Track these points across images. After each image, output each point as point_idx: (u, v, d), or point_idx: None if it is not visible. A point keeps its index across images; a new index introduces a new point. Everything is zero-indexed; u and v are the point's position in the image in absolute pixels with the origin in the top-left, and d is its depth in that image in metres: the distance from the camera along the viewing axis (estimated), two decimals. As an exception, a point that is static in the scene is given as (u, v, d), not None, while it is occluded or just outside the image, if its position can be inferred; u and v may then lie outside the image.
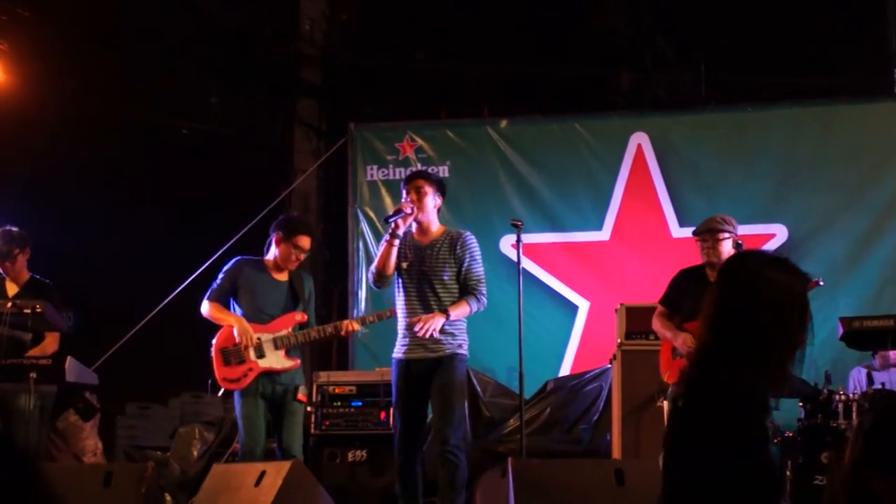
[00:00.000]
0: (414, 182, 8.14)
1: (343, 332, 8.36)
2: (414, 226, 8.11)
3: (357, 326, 8.52)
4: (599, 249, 12.25)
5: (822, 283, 8.29)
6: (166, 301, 12.15)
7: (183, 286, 12.07)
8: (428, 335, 7.85)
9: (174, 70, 14.87)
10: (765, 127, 12.07)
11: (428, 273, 7.98)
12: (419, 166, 12.55)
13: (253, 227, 12.29)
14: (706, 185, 12.04)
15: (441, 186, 8.24)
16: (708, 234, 8.25)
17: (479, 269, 8.08)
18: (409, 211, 7.95)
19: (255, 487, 7.01)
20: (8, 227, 9.27)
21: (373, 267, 8.10)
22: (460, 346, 8.01)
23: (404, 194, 8.12)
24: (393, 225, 7.94)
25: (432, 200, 8.10)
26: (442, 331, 7.92)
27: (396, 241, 7.95)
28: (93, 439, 10.47)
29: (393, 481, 8.40)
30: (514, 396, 10.27)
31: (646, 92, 15.62)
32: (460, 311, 7.94)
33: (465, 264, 8.03)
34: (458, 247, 8.03)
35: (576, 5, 15.73)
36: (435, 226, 8.16)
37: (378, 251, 8.18)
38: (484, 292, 8.04)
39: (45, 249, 9.44)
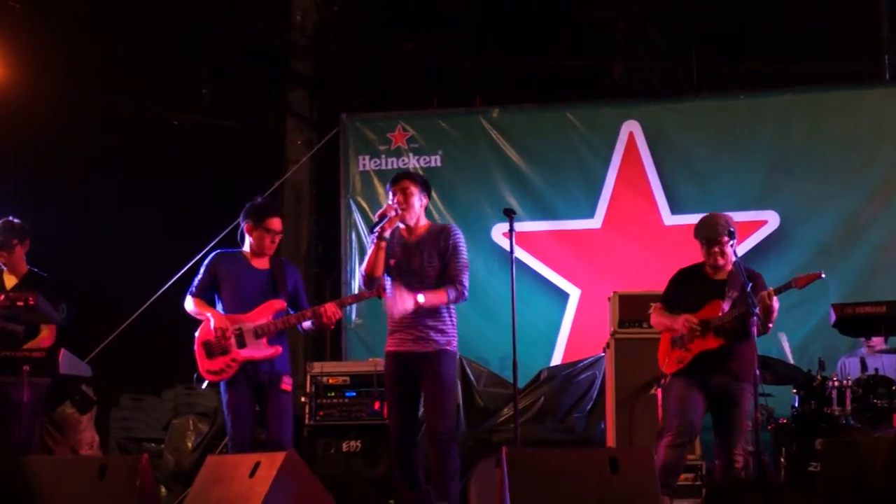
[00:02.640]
0: (400, 183, 8.17)
1: (324, 319, 8.25)
2: (401, 225, 8.14)
3: (336, 309, 8.27)
4: (591, 237, 12.25)
5: (823, 276, 8.29)
6: (159, 293, 12.15)
7: (175, 278, 12.07)
8: (398, 316, 7.91)
9: (166, 61, 14.86)
10: (756, 114, 12.08)
11: (416, 270, 8.02)
12: (411, 156, 12.57)
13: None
14: (698, 173, 12.04)
15: (426, 186, 8.28)
16: (716, 244, 8.22)
17: (460, 259, 8.06)
18: (393, 214, 7.98)
19: (249, 478, 7.01)
20: (9, 218, 9.27)
21: (362, 269, 8.12)
22: (449, 342, 8.05)
23: (390, 195, 8.14)
24: (379, 229, 7.95)
25: (418, 200, 8.13)
26: (428, 326, 7.99)
27: (383, 244, 7.98)
28: (90, 432, 10.46)
29: (387, 471, 8.43)
30: (508, 385, 10.27)
31: (638, 80, 15.65)
32: (434, 298, 7.94)
33: (448, 255, 8.05)
34: (442, 240, 8.06)
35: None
36: (422, 221, 8.20)
37: (367, 253, 8.18)
38: (464, 282, 8.01)
39: (38, 241, 9.43)
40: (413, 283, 8.01)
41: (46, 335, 9.00)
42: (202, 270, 8.43)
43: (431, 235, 8.10)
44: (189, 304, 8.36)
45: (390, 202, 8.10)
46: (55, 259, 9.93)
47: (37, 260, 9.42)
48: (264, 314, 8.24)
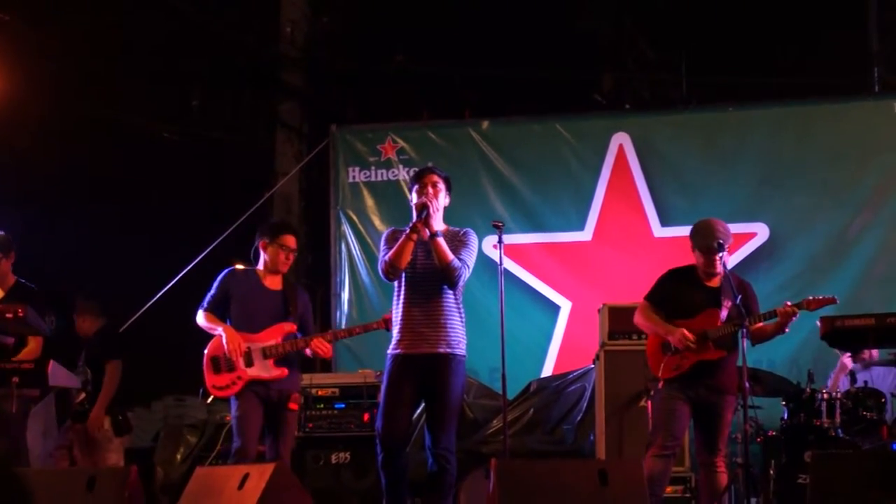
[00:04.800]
0: (428, 177, 8.03)
1: (309, 351, 8.32)
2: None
3: (327, 344, 8.36)
4: (581, 250, 12.27)
5: (837, 302, 8.28)
6: (148, 305, 12.15)
7: (165, 290, 12.07)
8: (433, 208, 7.80)
9: (156, 73, 14.85)
10: (746, 126, 12.11)
11: (433, 269, 7.92)
12: (401, 168, 12.58)
13: (235, 230, 12.30)
14: (688, 185, 12.06)
15: (449, 184, 8.15)
16: (717, 251, 8.19)
17: (468, 248, 7.96)
18: (433, 211, 7.84)
19: (238, 490, 6.99)
20: None
21: (386, 257, 7.90)
22: (458, 343, 7.93)
23: (415, 190, 8.04)
24: (418, 221, 7.78)
25: (443, 197, 8.04)
26: (439, 325, 7.88)
27: (415, 237, 7.82)
28: (116, 455, 10.44)
29: (376, 483, 8.36)
30: (498, 397, 10.26)
31: (627, 92, 15.67)
32: (445, 248, 7.80)
33: (459, 245, 7.95)
34: (457, 240, 7.97)
35: (557, 7, 15.74)
36: (441, 224, 8.05)
37: (385, 244, 8.05)
38: (466, 262, 7.90)
39: (27, 252, 9.42)
40: (429, 282, 7.95)
41: (34, 347, 8.98)
42: (214, 286, 8.45)
43: (450, 237, 8.02)
44: (201, 318, 8.39)
45: (415, 198, 7.95)
46: (45, 269, 9.93)
47: (26, 270, 9.40)
48: (274, 335, 8.28)
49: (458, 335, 7.95)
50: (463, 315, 8.06)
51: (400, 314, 8.00)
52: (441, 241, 7.78)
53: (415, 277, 7.95)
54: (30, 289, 9.27)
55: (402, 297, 8.01)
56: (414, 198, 7.97)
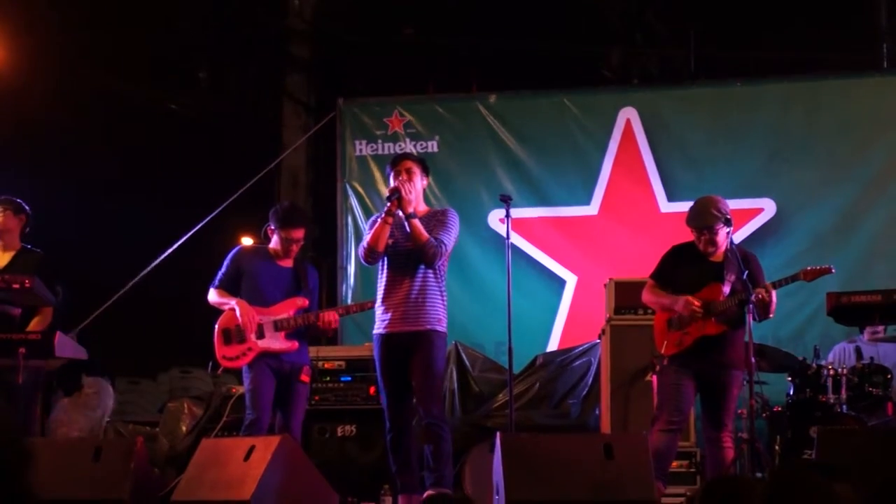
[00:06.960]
0: (402, 163, 8.29)
1: (321, 324, 8.41)
2: (399, 213, 8.15)
3: (335, 316, 8.51)
4: (587, 224, 12.25)
5: (833, 271, 8.27)
6: (142, 274, 12.16)
7: (163, 257, 12.07)
8: (405, 191, 8.01)
9: (163, 45, 14.84)
10: (754, 102, 12.07)
11: (412, 250, 8.04)
12: (408, 141, 12.55)
13: (240, 202, 12.29)
14: (695, 160, 12.03)
15: (426, 167, 8.40)
16: (705, 229, 8.20)
17: (446, 227, 8.14)
18: (405, 194, 8.02)
19: (244, 462, 7.02)
20: (9, 196, 9.29)
21: (364, 242, 8.17)
22: (439, 321, 8.10)
23: (391, 176, 8.21)
24: (390, 204, 8.02)
25: (420, 181, 8.25)
26: (419, 304, 8.05)
27: (391, 220, 8.04)
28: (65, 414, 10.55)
29: (382, 456, 8.44)
30: (503, 371, 10.28)
31: (635, 67, 15.63)
32: (420, 228, 8.00)
33: (437, 224, 8.11)
34: (436, 220, 8.14)
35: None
36: (421, 206, 8.27)
37: (368, 228, 8.23)
38: (443, 241, 8.06)
39: (33, 220, 9.42)
40: (408, 263, 8.06)
41: (42, 318, 8.99)
42: (226, 263, 8.60)
43: (430, 218, 8.15)
44: (212, 295, 8.53)
45: (392, 183, 8.15)
46: (51, 238, 9.93)
47: (33, 238, 9.40)
48: (286, 309, 8.40)
49: (438, 313, 8.16)
50: (444, 293, 8.24)
51: (382, 294, 8.23)
52: (416, 221, 8.03)
53: (396, 258, 8.18)
54: (36, 254, 9.26)
55: (384, 277, 8.25)
56: (391, 183, 8.18)
